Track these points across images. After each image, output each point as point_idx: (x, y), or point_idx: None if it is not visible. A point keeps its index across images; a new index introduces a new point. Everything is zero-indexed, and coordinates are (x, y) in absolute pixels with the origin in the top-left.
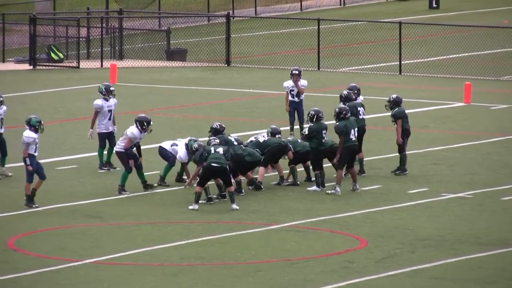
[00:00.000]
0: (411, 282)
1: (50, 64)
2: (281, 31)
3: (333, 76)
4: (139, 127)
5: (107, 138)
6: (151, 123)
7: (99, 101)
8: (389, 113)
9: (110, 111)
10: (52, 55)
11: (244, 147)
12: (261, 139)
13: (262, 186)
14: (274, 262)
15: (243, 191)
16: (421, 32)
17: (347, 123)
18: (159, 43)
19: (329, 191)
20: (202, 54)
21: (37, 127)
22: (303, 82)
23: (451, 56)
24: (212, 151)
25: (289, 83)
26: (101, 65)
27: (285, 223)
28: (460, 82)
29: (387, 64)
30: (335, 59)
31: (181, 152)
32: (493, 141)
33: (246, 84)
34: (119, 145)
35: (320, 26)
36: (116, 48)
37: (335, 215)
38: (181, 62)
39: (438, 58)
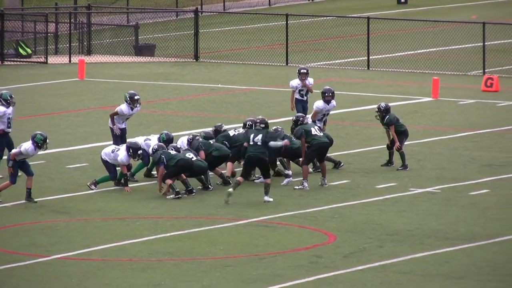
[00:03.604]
0: (379, 276)
1: (18, 59)
2: (249, 26)
3: None
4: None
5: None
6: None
7: (124, 108)
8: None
9: (128, 118)
10: (20, 50)
11: (211, 142)
12: (231, 133)
13: (230, 181)
14: (243, 257)
15: (211, 186)
16: (389, 27)
17: (303, 126)
18: (128, 38)
19: (297, 187)
20: (171, 50)
21: (40, 144)
22: (310, 81)
23: (419, 51)
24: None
25: (296, 82)
26: (69, 61)
27: (254, 218)
28: (428, 77)
29: (356, 59)
30: (303, 54)
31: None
32: (461, 136)
33: (214, 79)
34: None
35: (288, 21)
36: (85, 43)
37: (303, 210)
38: (149, 58)
39: (406, 53)
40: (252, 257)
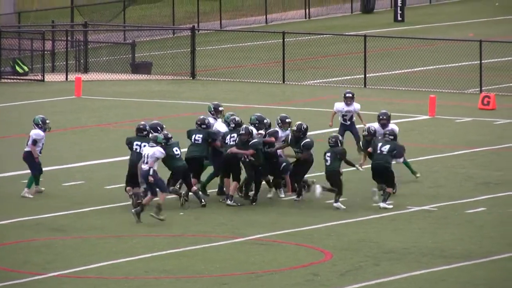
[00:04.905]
0: None
1: (15, 77)
2: (246, 44)
3: (298, 89)
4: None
5: None
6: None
7: (211, 119)
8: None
9: None
10: (17, 68)
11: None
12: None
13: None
14: (239, 275)
15: (203, 201)
16: (386, 45)
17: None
18: (124, 56)
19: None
20: (167, 67)
21: (163, 144)
22: (357, 107)
23: (416, 69)
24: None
25: (341, 106)
26: (66, 78)
27: (250, 236)
28: (425, 95)
29: (352, 77)
30: (300, 72)
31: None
32: (458, 154)
33: (211, 97)
34: None
35: (285, 39)
36: (81, 61)
37: (299, 228)
38: (146, 75)
39: (403, 71)
40: (249, 275)
